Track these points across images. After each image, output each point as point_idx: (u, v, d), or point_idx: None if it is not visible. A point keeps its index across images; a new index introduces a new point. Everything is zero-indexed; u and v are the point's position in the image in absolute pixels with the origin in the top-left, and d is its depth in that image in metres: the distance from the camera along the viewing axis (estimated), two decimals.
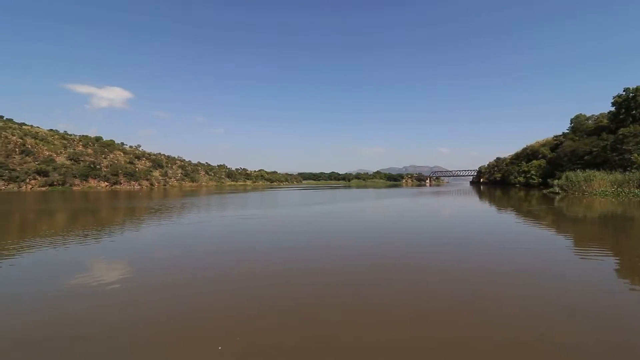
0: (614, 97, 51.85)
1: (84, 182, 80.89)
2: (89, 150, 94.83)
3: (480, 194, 48.32)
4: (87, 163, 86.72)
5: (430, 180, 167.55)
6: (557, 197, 32.23)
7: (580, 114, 67.19)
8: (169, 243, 11.37)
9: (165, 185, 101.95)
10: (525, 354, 3.91)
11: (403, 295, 5.92)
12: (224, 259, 8.82)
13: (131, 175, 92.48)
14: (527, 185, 70.37)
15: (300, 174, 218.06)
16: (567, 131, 68.40)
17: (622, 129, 45.32)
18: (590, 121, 64.45)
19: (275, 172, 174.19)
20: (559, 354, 3.90)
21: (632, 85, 49.32)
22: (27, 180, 70.64)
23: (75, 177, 79.33)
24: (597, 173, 35.90)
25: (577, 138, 59.39)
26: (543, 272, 7.33)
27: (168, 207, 25.51)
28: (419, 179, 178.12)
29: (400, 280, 6.81)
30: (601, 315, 5.02)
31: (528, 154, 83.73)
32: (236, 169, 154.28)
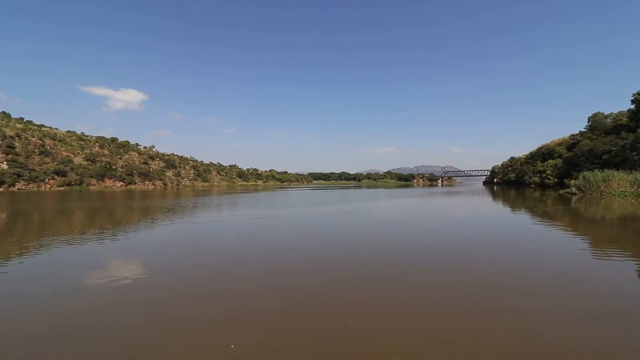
0: (633, 95, 50.18)
1: (100, 182, 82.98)
2: (105, 151, 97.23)
3: (494, 194, 47.48)
4: (103, 163, 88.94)
5: (442, 181, 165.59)
6: (574, 198, 31.39)
7: (598, 112, 65.25)
8: (181, 242, 11.58)
9: (178, 185, 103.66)
10: (542, 357, 3.85)
11: (415, 296, 5.89)
12: (236, 258, 8.92)
13: (145, 175, 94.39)
14: (543, 186, 68.84)
15: (310, 174, 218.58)
16: (585, 130, 66.53)
17: None
18: (608, 119, 62.51)
19: (285, 172, 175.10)
20: (578, 358, 3.83)
21: None
22: (46, 180, 72.86)
23: (91, 177, 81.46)
24: (616, 173, 34.75)
25: (594, 137, 57.78)
26: (559, 274, 7.17)
27: (181, 207, 25.94)
28: (431, 179, 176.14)
29: (412, 280, 6.77)
30: (621, 317, 4.88)
31: (543, 154, 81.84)
32: (247, 169, 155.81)
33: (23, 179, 68.89)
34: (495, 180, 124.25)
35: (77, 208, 25.84)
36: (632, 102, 50.93)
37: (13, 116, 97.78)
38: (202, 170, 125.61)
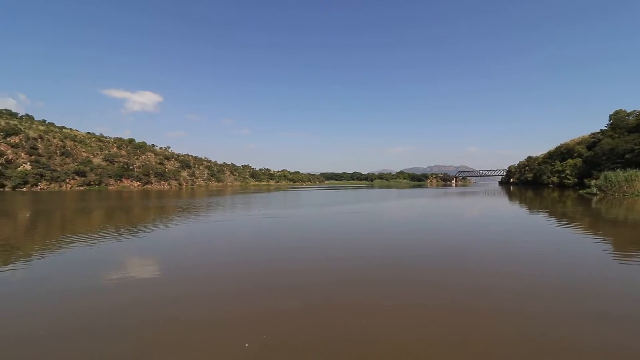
0: None
1: (118, 181, 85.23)
2: (123, 152, 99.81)
3: (510, 195, 46.43)
4: (121, 164, 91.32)
5: (456, 181, 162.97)
6: (595, 199, 30.41)
7: (620, 109, 62.85)
8: (195, 241, 11.79)
9: (192, 185, 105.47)
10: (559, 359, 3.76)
11: (426, 296, 5.84)
12: (249, 258, 9.03)
13: (161, 176, 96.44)
14: (562, 186, 66.94)
15: (322, 174, 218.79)
16: (606, 128, 64.28)
17: None
18: (631, 117, 60.15)
19: (297, 172, 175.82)
20: None
21: None
22: (67, 180, 75.32)
23: (110, 177, 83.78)
24: (639, 172, 33.50)
25: (616, 135, 55.81)
26: (578, 276, 6.98)
27: (195, 206, 26.40)
28: (444, 179, 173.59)
29: (424, 281, 6.71)
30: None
31: (562, 153, 79.60)
32: (260, 169, 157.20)
33: (45, 179, 71.47)
34: (511, 180, 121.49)
35: (96, 207, 26.64)
36: None
37: (36, 118, 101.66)
38: (215, 171, 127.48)
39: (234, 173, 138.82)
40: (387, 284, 6.54)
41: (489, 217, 20.09)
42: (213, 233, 13.34)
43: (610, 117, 63.77)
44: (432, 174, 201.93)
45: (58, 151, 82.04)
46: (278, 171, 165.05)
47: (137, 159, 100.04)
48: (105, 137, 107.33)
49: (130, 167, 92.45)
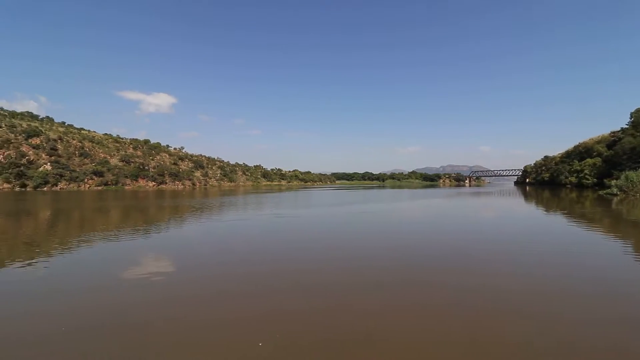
0: None
1: (134, 181, 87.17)
2: (139, 153, 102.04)
3: (526, 195, 45.42)
4: (137, 164, 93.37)
5: (469, 181, 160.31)
6: (615, 199, 29.46)
7: None
8: (209, 240, 11.99)
9: (205, 185, 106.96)
10: None
11: (436, 297, 5.80)
12: (262, 258, 9.14)
13: (175, 176, 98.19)
14: (580, 186, 65.08)
15: (333, 174, 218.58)
16: (627, 126, 62.04)
17: None
18: None
19: (309, 172, 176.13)
20: None
21: None
22: (85, 180, 77.49)
23: (126, 177, 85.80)
24: None
25: (638, 134, 53.86)
26: (599, 278, 6.81)
27: (208, 206, 26.81)
28: (458, 179, 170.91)
29: (434, 282, 6.66)
30: None
31: (581, 152, 77.36)
32: (271, 170, 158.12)
33: (65, 179, 73.76)
34: (527, 180, 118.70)
35: (113, 207, 27.35)
36: None
37: (56, 120, 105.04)
38: (228, 171, 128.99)
39: (246, 173, 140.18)
40: (396, 285, 6.53)
41: (503, 217, 19.72)
42: (226, 233, 13.53)
43: (632, 115, 61.52)
44: (444, 174, 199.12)
45: (77, 152, 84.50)
46: (289, 171, 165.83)
47: (152, 160, 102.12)
48: (122, 138, 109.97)
49: (146, 168, 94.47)
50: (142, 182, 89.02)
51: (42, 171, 71.17)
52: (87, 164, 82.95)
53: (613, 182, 37.90)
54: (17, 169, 67.13)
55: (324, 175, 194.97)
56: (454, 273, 7.32)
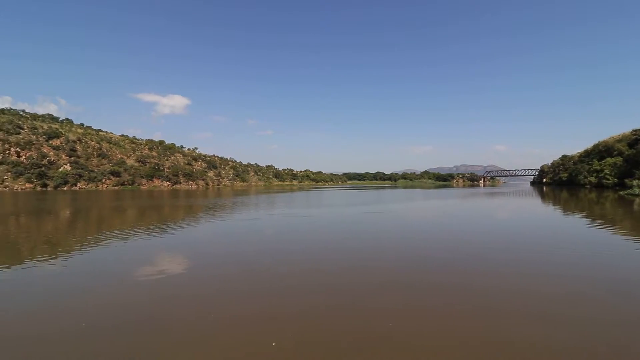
0: None
1: (150, 181, 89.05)
2: (154, 153, 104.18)
3: (543, 196, 44.29)
4: (152, 165, 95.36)
5: (484, 181, 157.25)
6: (637, 200, 28.44)
7: None
8: (222, 240, 12.16)
9: (218, 184, 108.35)
10: None
11: (455, 300, 5.73)
12: (275, 257, 9.22)
13: (189, 176, 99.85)
14: (600, 186, 63.06)
15: (345, 174, 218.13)
16: None
17: None
18: None
19: (320, 172, 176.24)
20: None
21: None
22: (103, 180, 79.64)
23: (142, 177, 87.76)
24: None
25: None
26: (621, 281, 6.60)
27: (221, 206, 27.16)
28: (472, 179, 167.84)
29: (452, 283, 6.59)
30: None
31: (601, 151, 74.94)
32: (283, 170, 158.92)
33: (83, 179, 76.00)
34: (544, 180, 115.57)
35: (130, 206, 28.03)
36: None
37: (75, 122, 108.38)
38: (240, 171, 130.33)
39: (258, 173, 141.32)
40: (410, 286, 6.48)
41: (520, 219, 19.29)
42: (239, 232, 13.70)
43: None
44: (458, 174, 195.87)
45: (95, 153, 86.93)
46: (301, 171, 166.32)
47: (167, 160, 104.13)
48: (138, 139, 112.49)
49: (161, 168, 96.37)
50: (157, 182, 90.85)
51: (62, 171, 73.50)
52: (105, 164, 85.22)
53: (635, 182, 36.63)
54: (39, 169, 69.53)
55: (335, 175, 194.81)
56: (472, 275, 7.23)
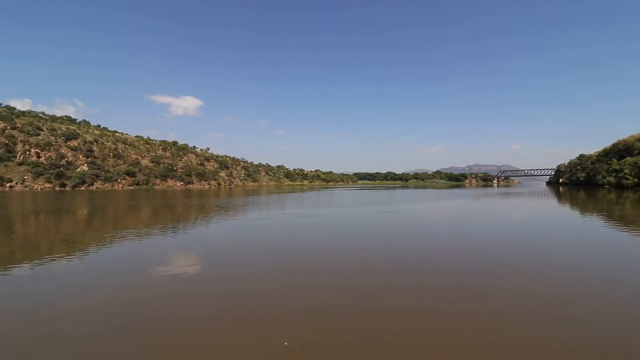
0: None
1: (164, 181, 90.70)
2: (167, 154, 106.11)
3: (560, 197, 43.19)
4: (166, 165, 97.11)
5: (498, 181, 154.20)
6: None
7: None
8: (234, 239, 12.32)
9: (230, 184, 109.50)
10: None
11: (467, 302, 5.66)
12: (286, 257, 9.29)
13: (202, 176, 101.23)
14: (619, 187, 61.13)
15: (355, 174, 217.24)
16: None
17: None
18: None
19: (331, 172, 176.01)
20: None
21: None
22: (119, 180, 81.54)
23: (156, 177, 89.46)
24: None
25: None
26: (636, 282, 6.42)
27: (233, 205, 27.46)
28: (485, 179, 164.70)
29: (463, 284, 6.51)
30: None
31: (620, 150, 72.65)
32: (294, 170, 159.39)
33: (100, 179, 78.01)
34: (560, 180, 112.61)
35: (145, 205, 28.62)
36: None
37: (92, 124, 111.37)
38: (252, 171, 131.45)
39: (269, 173, 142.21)
40: (426, 288, 6.44)
41: (536, 219, 18.88)
42: (251, 231, 13.85)
43: None
44: (471, 174, 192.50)
45: (111, 153, 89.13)
46: (311, 171, 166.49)
47: (180, 160, 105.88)
48: (152, 140, 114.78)
49: (174, 168, 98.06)
50: (170, 182, 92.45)
51: (79, 172, 75.57)
52: (120, 164, 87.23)
53: None
54: (57, 169, 71.66)
55: (345, 175, 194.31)
56: (480, 275, 7.14)
